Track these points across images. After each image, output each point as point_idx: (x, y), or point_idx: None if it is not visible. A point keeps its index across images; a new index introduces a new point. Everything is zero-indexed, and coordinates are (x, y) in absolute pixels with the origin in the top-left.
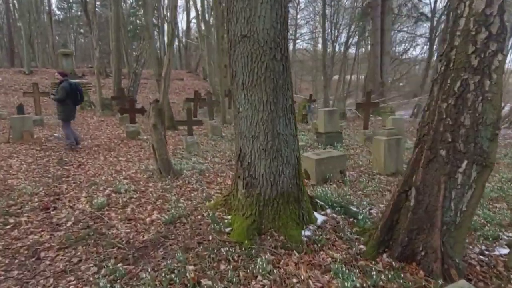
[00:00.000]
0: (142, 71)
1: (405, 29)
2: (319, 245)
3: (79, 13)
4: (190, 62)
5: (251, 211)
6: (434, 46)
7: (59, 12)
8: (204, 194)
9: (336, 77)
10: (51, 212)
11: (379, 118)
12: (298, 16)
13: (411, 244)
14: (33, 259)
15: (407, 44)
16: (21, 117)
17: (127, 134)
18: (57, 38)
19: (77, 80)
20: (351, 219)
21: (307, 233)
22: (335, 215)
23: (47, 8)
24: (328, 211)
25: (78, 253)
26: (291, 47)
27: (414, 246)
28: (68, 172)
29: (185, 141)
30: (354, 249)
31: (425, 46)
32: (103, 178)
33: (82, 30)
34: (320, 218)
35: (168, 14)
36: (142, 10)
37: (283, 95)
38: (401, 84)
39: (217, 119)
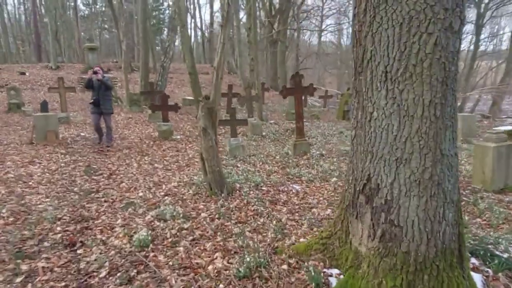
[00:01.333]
0: (170, 64)
1: None
2: None
3: (103, 8)
4: (213, 56)
5: (393, 280)
6: (482, 35)
7: (84, 8)
8: (274, 222)
9: None
10: (78, 251)
11: None
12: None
13: None
14: None
15: None
16: (45, 115)
17: (160, 134)
18: (82, 34)
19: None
20: None
21: None
22: (489, 271)
23: (72, 3)
24: (474, 260)
25: None
26: (315, 39)
27: None
28: (97, 184)
29: (228, 144)
30: None
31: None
32: (140, 194)
33: (106, 26)
34: (478, 280)
35: None
36: None
37: (452, 92)
38: None
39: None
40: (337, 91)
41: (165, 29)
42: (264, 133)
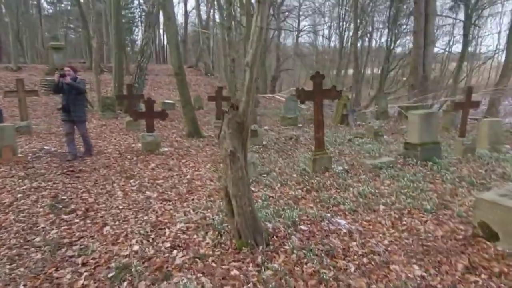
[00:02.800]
0: (147, 64)
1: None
2: None
3: (69, 7)
4: (187, 57)
5: None
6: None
7: (48, 6)
8: None
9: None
10: None
11: None
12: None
13: None
14: None
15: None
16: None
17: (144, 146)
18: (46, 33)
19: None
20: None
21: None
22: None
23: (35, 1)
24: None
25: None
26: (290, 41)
27: None
28: (69, 229)
29: None
30: None
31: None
32: (135, 248)
33: (72, 25)
34: None
35: None
36: None
37: None
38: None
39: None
40: None
41: (135, 28)
42: (264, 142)
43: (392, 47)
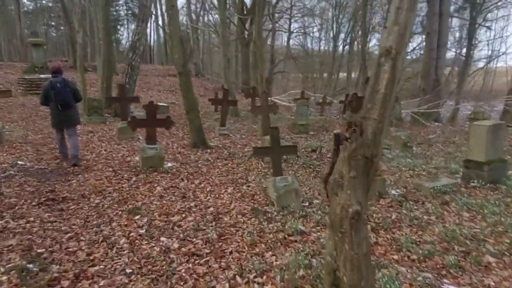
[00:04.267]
0: (140, 63)
1: None
2: None
3: (50, 4)
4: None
5: None
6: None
7: (28, 2)
8: None
9: (340, 74)
10: None
11: (433, 124)
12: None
13: None
14: None
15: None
16: None
17: (145, 162)
18: (26, 31)
19: (49, 75)
20: None
21: None
22: None
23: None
24: None
25: None
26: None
27: None
28: None
29: (273, 187)
30: None
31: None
32: None
33: (53, 23)
34: None
35: None
36: None
37: None
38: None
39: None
40: (313, 95)
41: (120, 27)
42: (285, 156)
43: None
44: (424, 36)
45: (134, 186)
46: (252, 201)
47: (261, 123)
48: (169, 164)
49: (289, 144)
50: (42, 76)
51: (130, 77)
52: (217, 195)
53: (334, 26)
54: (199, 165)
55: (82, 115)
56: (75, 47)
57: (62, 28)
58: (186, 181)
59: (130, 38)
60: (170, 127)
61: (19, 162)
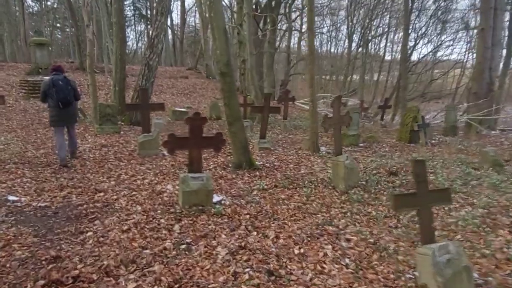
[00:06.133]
0: (158, 62)
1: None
2: None
3: (55, 5)
4: (183, 58)
5: None
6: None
7: (32, 4)
8: None
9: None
10: None
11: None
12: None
13: None
14: None
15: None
16: None
17: (186, 198)
18: (31, 33)
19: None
20: None
21: None
22: None
23: None
24: None
25: None
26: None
27: None
28: None
29: (432, 264)
30: None
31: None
32: None
33: (59, 24)
34: None
35: None
36: None
37: None
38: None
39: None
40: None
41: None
42: (361, 180)
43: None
44: (475, 32)
45: (182, 247)
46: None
47: (334, 139)
48: (217, 198)
49: (439, 187)
50: (46, 78)
51: (147, 78)
52: (316, 265)
53: (349, 25)
54: (257, 198)
55: (93, 124)
56: (81, 47)
57: (67, 30)
58: (255, 234)
59: (136, 40)
60: (220, 148)
61: (10, 198)
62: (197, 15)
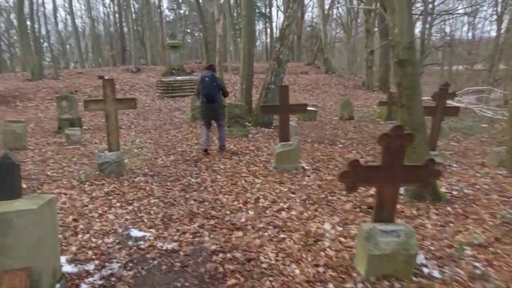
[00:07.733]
0: (289, 56)
1: None
2: None
3: (187, 12)
4: (301, 53)
5: None
6: None
7: (169, 13)
8: None
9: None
10: None
11: None
12: None
13: None
14: None
15: None
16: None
17: (374, 266)
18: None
19: (185, 77)
20: None
21: None
22: None
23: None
24: None
25: None
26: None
27: None
28: None
29: None
30: None
31: None
32: None
33: (189, 30)
34: None
35: None
36: None
37: None
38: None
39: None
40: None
41: None
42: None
43: None
44: None
45: None
46: None
47: None
48: (426, 270)
49: None
50: (178, 78)
51: (276, 75)
52: None
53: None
54: (469, 266)
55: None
56: (208, 48)
57: (196, 34)
58: None
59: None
60: (430, 184)
61: (133, 234)
62: (315, 10)
